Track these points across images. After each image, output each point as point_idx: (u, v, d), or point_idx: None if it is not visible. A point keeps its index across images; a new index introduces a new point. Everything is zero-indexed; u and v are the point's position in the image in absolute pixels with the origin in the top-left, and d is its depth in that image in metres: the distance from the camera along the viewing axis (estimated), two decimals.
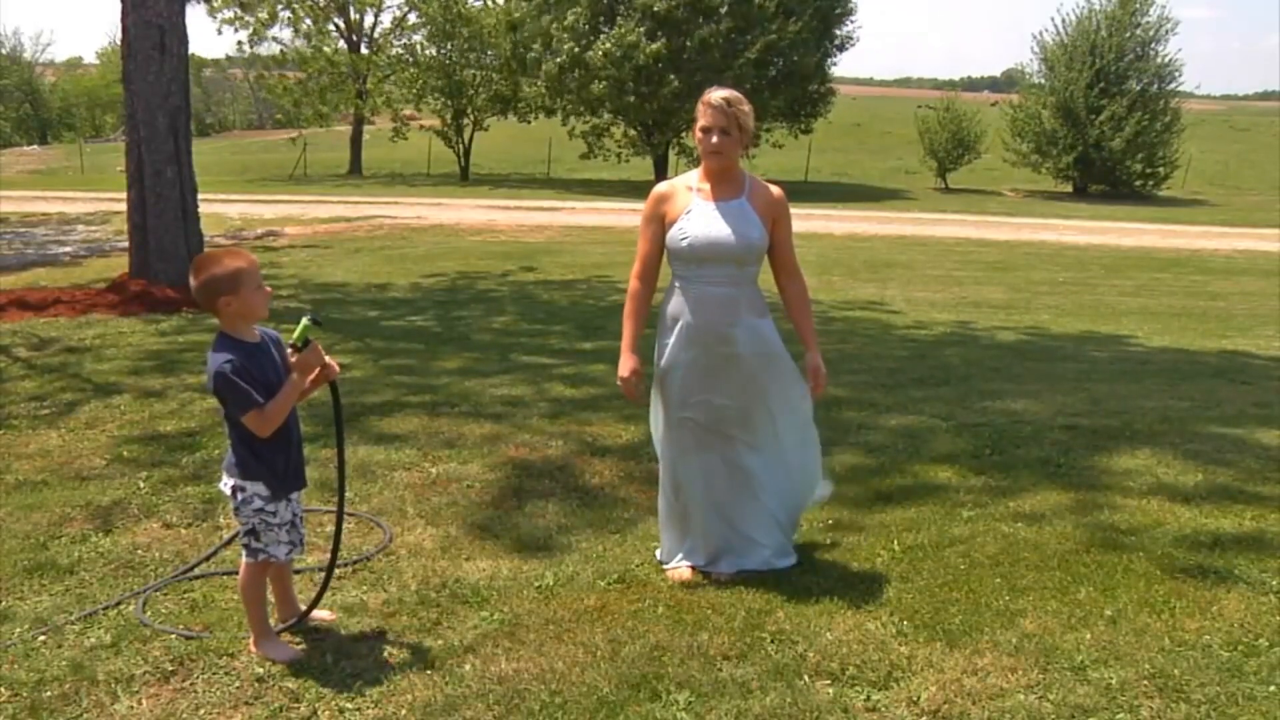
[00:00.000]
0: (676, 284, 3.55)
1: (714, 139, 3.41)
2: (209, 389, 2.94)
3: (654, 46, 29.53)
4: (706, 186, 3.51)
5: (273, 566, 3.14)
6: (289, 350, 3.00)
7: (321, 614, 3.32)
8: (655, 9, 29.65)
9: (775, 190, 3.58)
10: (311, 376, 3.04)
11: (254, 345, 2.96)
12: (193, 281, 2.94)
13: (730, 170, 3.51)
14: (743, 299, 3.50)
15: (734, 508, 3.61)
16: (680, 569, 3.67)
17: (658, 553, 3.80)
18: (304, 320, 2.99)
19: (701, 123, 3.43)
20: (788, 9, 30.52)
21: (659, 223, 3.52)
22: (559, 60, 30.99)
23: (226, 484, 3.04)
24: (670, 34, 29.87)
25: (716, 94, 3.42)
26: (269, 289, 3.05)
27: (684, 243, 3.45)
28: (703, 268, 3.46)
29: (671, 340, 3.54)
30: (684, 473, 3.63)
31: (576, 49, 30.36)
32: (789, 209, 3.60)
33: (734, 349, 3.48)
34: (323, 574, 3.31)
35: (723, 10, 30.13)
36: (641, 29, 29.66)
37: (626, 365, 3.54)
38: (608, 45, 29.83)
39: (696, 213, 3.46)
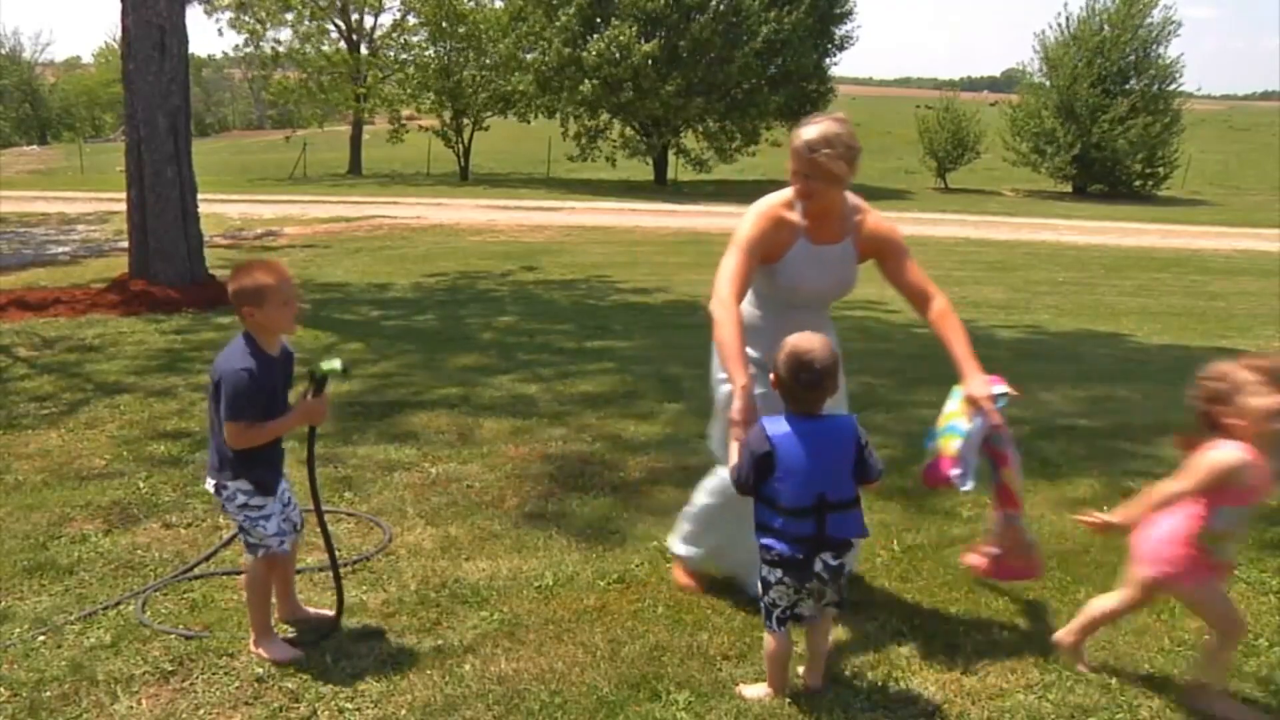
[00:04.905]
0: (754, 300, 3.30)
1: (798, 185, 3.12)
2: (213, 378, 2.92)
3: (647, 47, 29.51)
4: (807, 224, 3.19)
5: (278, 564, 3.15)
6: (308, 381, 3.01)
7: (322, 612, 3.32)
8: (647, 7, 29.64)
9: (883, 226, 3.30)
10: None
11: (271, 358, 2.98)
12: (229, 288, 3.00)
13: (830, 210, 3.20)
14: (823, 319, 3.33)
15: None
16: (682, 575, 3.58)
17: (675, 542, 3.59)
18: (337, 363, 3.02)
19: (789, 164, 3.12)
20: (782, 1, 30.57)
21: (767, 247, 3.17)
22: (547, 59, 31.02)
23: (209, 483, 3.05)
24: (665, 32, 29.86)
25: (803, 134, 3.07)
26: (299, 305, 3.04)
27: (784, 286, 3.22)
28: (792, 299, 3.27)
29: (753, 353, 3.19)
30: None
31: (567, 50, 30.36)
32: (897, 240, 3.30)
33: None
34: (323, 573, 3.32)
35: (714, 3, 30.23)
36: (633, 29, 29.64)
37: (740, 379, 2.93)
38: (601, 45, 29.80)
39: (799, 257, 3.19)
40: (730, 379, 2.98)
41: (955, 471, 3.03)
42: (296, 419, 3.03)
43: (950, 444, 3.06)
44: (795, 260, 3.19)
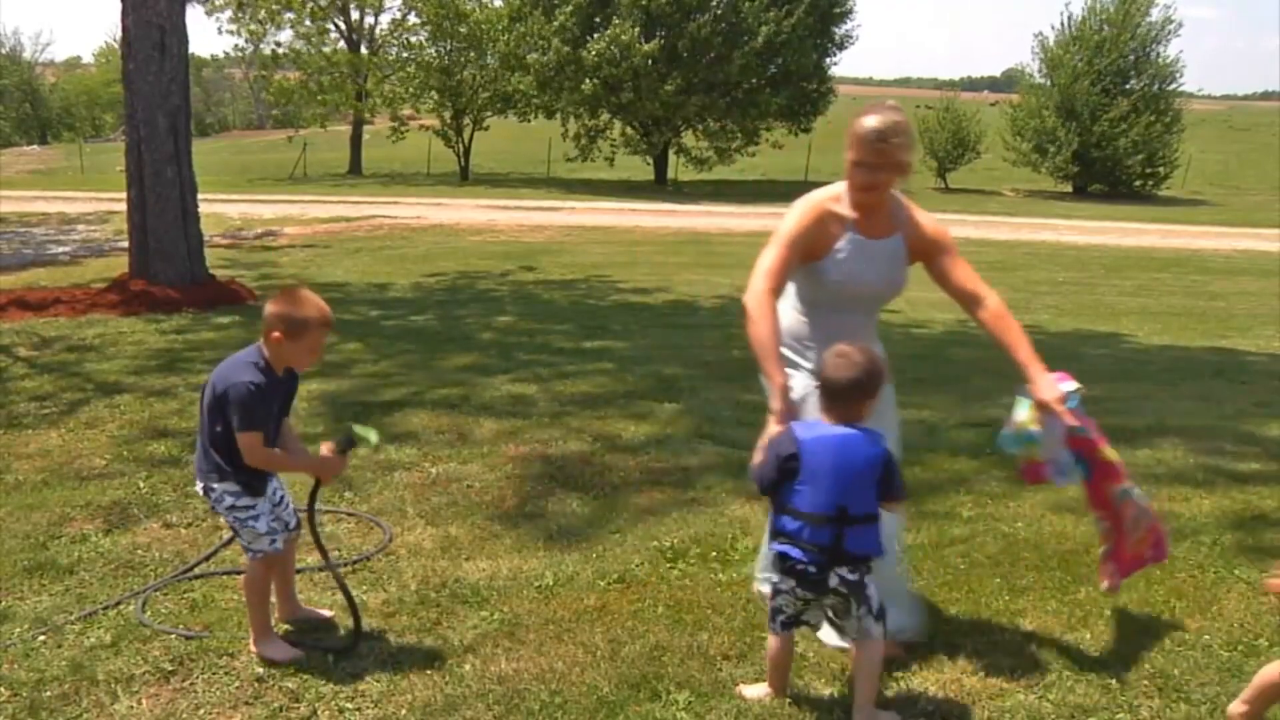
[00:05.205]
0: (800, 307, 3.17)
1: (862, 177, 2.97)
2: (215, 387, 2.91)
3: (647, 47, 29.52)
4: (857, 217, 3.05)
5: (276, 564, 3.14)
6: (337, 443, 3.04)
7: (322, 612, 3.33)
8: (648, 7, 29.63)
9: (933, 224, 3.15)
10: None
11: (277, 378, 2.97)
12: (269, 305, 2.96)
13: (881, 204, 3.07)
14: (870, 326, 3.22)
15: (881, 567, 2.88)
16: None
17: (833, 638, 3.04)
18: (373, 436, 3.07)
19: (850, 155, 2.97)
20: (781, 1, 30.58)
21: (811, 242, 3.03)
22: (546, 59, 31.03)
23: (199, 485, 3.05)
24: (665, 32, 29.88)
25: (868, 123, 2.92)
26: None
27: (832, 284, 3.07)
28: (840, 301, 3.12)
29: (805, 365, 3.08)
30: None
31: (566, 49, 30.36)
32: (949, 239, 3.15)
33: None
34: (323, 573, 3.31)
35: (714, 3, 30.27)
36: (635, 28, 29.64)
37: (777, 378, 2.83)
38: (601, 44, 29.80)
39: (849, 252, 3.04)
40: (766, 377, 2.87)
41: (1051, 472, 3.08)
42: (310, 467, 3.08)
43: (1034, 451, 3.07)
44: (844, 254, 3.05)
